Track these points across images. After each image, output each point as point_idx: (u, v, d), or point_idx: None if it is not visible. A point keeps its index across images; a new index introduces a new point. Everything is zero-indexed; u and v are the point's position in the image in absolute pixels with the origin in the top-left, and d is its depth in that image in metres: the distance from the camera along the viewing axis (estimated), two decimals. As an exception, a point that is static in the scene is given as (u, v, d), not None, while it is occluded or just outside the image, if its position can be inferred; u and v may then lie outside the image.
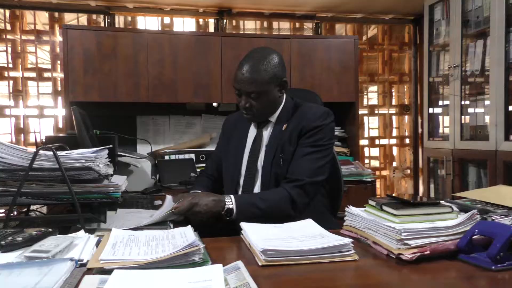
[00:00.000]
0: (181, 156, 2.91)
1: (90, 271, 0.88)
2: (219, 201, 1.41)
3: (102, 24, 3.48)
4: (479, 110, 2.88)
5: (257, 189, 1.60)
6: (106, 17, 3.48)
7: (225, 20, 3.65)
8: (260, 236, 1.08)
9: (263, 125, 1.65)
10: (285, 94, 1.66)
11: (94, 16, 3.51)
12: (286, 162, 1.54)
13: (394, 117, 4.05)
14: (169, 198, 1.45)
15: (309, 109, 1.60)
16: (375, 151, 4.01)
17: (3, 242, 1.00)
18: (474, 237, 0.97)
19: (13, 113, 3.28)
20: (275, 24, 3.83)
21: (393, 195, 1.17)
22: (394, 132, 4.06)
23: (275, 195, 1.48)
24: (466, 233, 0.98)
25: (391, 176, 4.04)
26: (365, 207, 1.19)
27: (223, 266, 0.89)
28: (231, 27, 3.72)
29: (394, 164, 4.06)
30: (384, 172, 4.03)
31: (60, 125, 3.33)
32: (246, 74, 1.51)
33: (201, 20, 3.70)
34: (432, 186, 3.43)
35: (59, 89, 3.33)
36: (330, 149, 1.59)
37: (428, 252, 0.95)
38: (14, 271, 0.83)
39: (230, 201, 1.41)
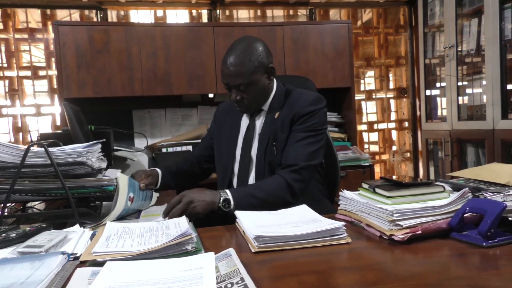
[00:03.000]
0: (179, 149, 2.91)
1: (83, 264, 0.89)
2: (214, 193, 1.35)
3: (95, 20, 3.46)
4: (477, 90, 2.87)
5: (252, 178, 1.59)
6: (98, 12, 3.46)
7: (218, 11, 3.62)
8: (253, 223, 1.09)
9: (255, 114, 1.64)
10: (275, 81, 1.65)
11: (86, 12, 3.49)
12: (279, 150, 1.53)
13: (392, 101, 4.03)
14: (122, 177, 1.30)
15: (301, 95, 1.59)
16: (374, 136, 4.00)
17: (-4, 239, 1.00)
18: (465, 215, 0.97)
19: (10, 112, 3.29)
20: (268, 12, 3.80)
21: (387, 177, 1.17)
22: (393, 116, 4.04)
23: (271, 182, 1.46)
24: (457, 212, 0.98)
25: (391, 160, 4.03)
26: (359, 190, 1.19)
27: (216, 254, 0.89)
28: (225, 17, 3.70)
29: (394, 148, 4.05)
30: (384, 157, 4.03)
31: (58, 123, 3.33)
32: (231, 68, 1.49)
33: (194, 12, 3.68)
34: (432, 168, 3.43)
35: (55, 86, 3.32)
36: (324, 133, 1.57)
37: (419, 232, 0.95)
38: (6, 266, 0.83)
39: (226, 194, 1.36)
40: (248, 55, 1.49)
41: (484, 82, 2.72)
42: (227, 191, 1.37)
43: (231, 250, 0.89)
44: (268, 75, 1.57)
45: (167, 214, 1.25)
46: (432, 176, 3.40)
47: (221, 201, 1.33)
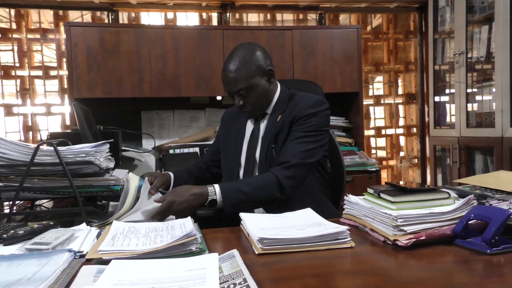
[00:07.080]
0: (186, 150, 2.93)
1: (89, 262, 0.90)
2: (201, 194, 1.34)
3: (106, 21, 3.50)
4: (486, 97, 2.85)
5: None
6: (110, 14, 3.51)
7: (228, 14, 3.64)
8: (258, 225, 1.09)
9: (260, 118, 1.66)
10: (278, 84, 1.67)
11: (98, 13, 3.54)
12: (278, 151, 1.55)
13: (400, 107, 4.02)
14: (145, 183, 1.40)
15: (303, 98, 1.60)
16: (381, 141, 3.99)
17: (5, 235, 1.02)
18: (470, 222, 0.97)
19: (21, 111, 3.33)
20: (278, 16, 3.82)
21: (392, 182, 1.17)
22: (401, 122, 4.03)
23: (260, 178, 1.48)
24: (462, 218, 0.98)
25: (398, 166, 4.01)
26: (364, 195, 1.20)
27: (220, 255, 0.90)
28: (235, 21, 3.72)
29: (401, 153, 4.04)
30: (391, 162, 4.01)
31: (68, 123, 3.37)
32: (230, 75, 1.53)
33: (204, 14, 3.70)
34: (439, 175, 3.41)
35: (66, 86, 3.36)
36: (323, 135, 1.57)
37: (423, 237, 0.95)
38: (14, 262, 0.85)
39: (213, 191, 1.36)
40: (245, 60, 1.52)
41: (493, 90, 2.70)
42: (216, 187, 1.37)
43: (235, 252, 0.90)
44: (268, 78, 1.59)
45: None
46: (439, 183, 3.38)
47: (208, 202, 1.35)
